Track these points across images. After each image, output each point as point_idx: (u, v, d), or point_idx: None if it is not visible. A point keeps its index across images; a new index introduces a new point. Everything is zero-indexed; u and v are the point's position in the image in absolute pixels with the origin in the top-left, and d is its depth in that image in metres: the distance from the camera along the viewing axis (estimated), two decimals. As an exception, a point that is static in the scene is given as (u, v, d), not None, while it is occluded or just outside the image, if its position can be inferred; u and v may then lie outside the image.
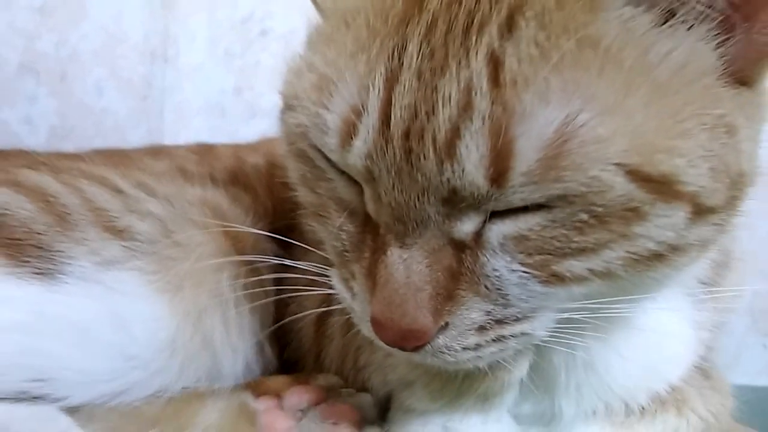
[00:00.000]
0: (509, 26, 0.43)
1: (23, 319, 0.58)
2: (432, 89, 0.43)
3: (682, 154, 0.43)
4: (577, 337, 0.51)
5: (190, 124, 1.34)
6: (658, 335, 0.62)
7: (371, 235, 0.49)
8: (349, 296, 0.51)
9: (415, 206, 0.45)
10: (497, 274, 0.46)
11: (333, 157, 0.48)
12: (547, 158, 0.41)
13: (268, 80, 1.32)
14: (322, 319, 0.69)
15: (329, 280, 0.57)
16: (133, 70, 1.30)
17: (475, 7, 0.45)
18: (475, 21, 0.44)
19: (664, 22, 0.45)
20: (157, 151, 0.95)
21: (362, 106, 0.45)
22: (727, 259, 0.67)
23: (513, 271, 0.46)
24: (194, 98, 1.34)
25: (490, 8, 0.44)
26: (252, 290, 0.67)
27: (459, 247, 0.46)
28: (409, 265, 0.46)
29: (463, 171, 0.43)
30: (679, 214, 0.45)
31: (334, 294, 0.63)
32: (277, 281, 0.70)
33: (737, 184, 0.47)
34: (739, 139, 0.46)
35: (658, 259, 0.46)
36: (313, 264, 0.60)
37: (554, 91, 0.42)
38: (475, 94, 0.42)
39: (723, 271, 0.66)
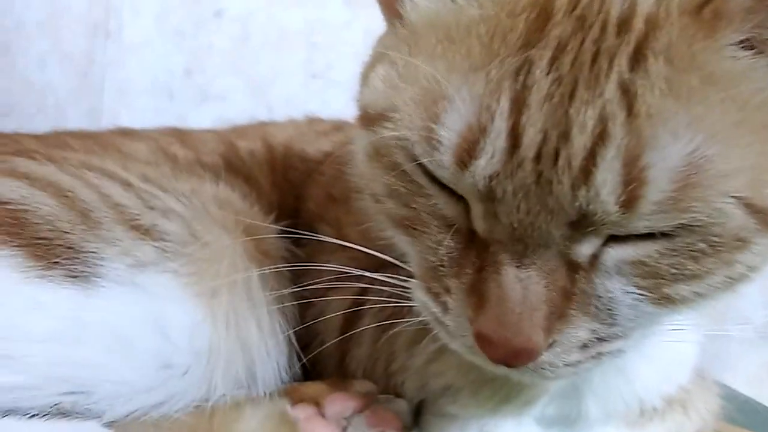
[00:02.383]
0: (638, 59, 0.45)
1: (58, 327, 0.53)
2: (564, 115, 0.44)
3: None
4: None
5: (132, 105, 1.28)
6: (673, 336, 0.66)
7: (476, 252, 0.49)
8: (440, 310, 0.51)
9: (540, 228, 0.46)
10: (610, 295, 0.48)
11: (443, 173, 0.48)
12: (677, 189, 0.43)
13: (221, 63, 1.28)
14: (349, 322, 0.68)
15: (356, 283, 0.56)
16: (75, 44, 1.22)
17: (600, 36, 0.46)
18: (603, 50, 0.45)
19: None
20: (129, 132, 0.89)
21: (485, 126, 0.45)
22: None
23: (627, 293, 0.48)
24: (138, 78, 1.28)
25: (617, 39, 0.46)
26: (279, 293, 0.65)
27: (573, 267, 0.48)
28: (526, 285, 0.47)
29: (597, 197, 0.44)
30: None
31: (365, 298, 0.63)
32: (297, 280, 0.69)
33: None
34: None
35: (742, 280, 0.50)
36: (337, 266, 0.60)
37: (683, 125, 0.44)
38: (611, 122, 0.44)
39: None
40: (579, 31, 0.46)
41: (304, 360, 0.68)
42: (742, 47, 0.47)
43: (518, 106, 0.45)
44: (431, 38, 0.51)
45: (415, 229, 0.53)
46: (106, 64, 1.25)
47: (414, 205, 0.52)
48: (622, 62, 0.45)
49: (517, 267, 0.47)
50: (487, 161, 0.46)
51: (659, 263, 0.47)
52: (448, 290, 0.51)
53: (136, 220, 0.61)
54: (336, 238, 0.72)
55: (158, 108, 1.26)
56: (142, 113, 1.26)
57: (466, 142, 0.46)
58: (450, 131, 0.47)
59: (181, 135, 0.89)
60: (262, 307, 0.63)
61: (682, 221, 0.45)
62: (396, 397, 0.65)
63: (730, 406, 0.76)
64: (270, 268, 0.64)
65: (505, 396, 0.61)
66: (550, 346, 0.48)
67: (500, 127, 0.45)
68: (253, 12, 1.25)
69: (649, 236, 0.46)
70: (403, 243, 0.55)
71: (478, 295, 0.48)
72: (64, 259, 0.55)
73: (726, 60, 0.46)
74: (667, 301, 0.49)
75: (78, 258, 0.55)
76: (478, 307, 0.48)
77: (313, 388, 0.63)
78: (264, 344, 0.63)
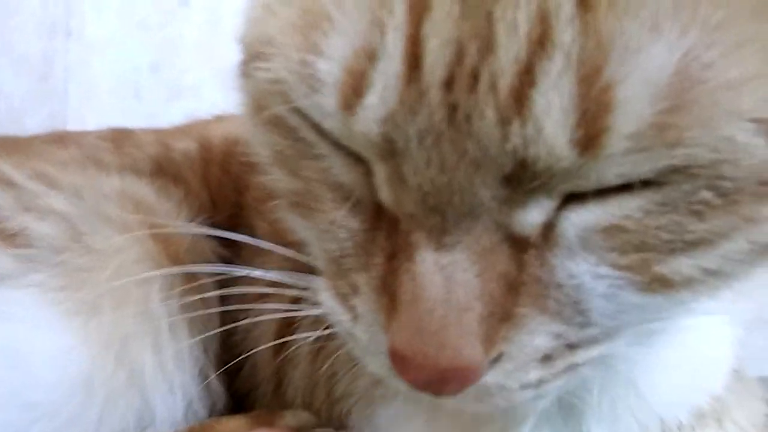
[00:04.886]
0: None
1: None
2: (485, 16, 0.30)
3: None
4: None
5: (98, 107, 1.17)
6: (700, 336, 0.51)
7: (385, 233, 0.35)
8: (348, 318, 0.37)
9: (461, 188, 0.32)
10: (576, 282, 0.33)
11: (329, 123, 0.34)
12: (663, 112, 0.29)
13: (191, 55, 1.17)
14: (282, 337, 0.54)
15: (302, 292, 0.43)
16: (30, 46, 1.11)
17: None
18: None
19: None
20: (60, 138, 0.79)
21: (376, 47, 0.32)
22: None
23: (600, 276, 0.33)
24: (103, 77, 1.17)
25: None
26: (191, 306, 0.52)
27: (519, 245, 0.33)
28: (450, 275, 0.32)
29: (539, 133, 0.30)
30: None
31: (302, 308, 0.50)
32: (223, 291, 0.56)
33: None
34: None
35: None
36: (271, 270, 0.47)
37: (666, 16, 0.29)
38: (554, 19, 0.29)
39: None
40: None
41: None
42: None
43: (418, 10, 0.31)
44: None
45: (307, 207, 0.39)
46: (69, 66, 1.15)
47: (303, 173, 0.39)
48: None
49: (436, 249, 0.33)
50: (379, 97, 0.32)
51: (645, 227, 0.32)
52: (356, 289, 0.37)
53: (1, 223, 0.49)
54: (270, 236, 0.60)
55: (125, 108, 1.15)
56: (108, 116, 1.14)
57: (351, 75, 0.32)
58: (331, 62, 0.33)
59: (120, 139, 0.78)
60: (163, 327, 0.50)
61: (674, 162, 0.30)
62: (342, 428, 0.52)
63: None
64: (172, 269, 0.51)
65: (471, 427, 0.46)
66: (496, 361, 0.34)
67: (393, 45, 0.31)
68: (222, -3, 1.13)
69: (625, 188, 0.32)
70: (299, 227, 0.42)
71: (389, 294, 0.34)
72: None
73: None
74: (661, 285, 0.34)
75: None
76: (390, 312, 0.34)
77: (230, 424, 0.50)
78: (163, 373, 0.50)
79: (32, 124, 1.11)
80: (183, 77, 1.15)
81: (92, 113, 1.16)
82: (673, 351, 0.49)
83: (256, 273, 0.46)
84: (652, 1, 0.29)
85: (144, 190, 0.60)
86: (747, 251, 0.34)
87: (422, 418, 0.47)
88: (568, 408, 0.48)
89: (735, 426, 0.55)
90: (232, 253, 0.61)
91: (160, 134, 0.81)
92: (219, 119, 0.88)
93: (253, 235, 0.62)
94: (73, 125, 1.14)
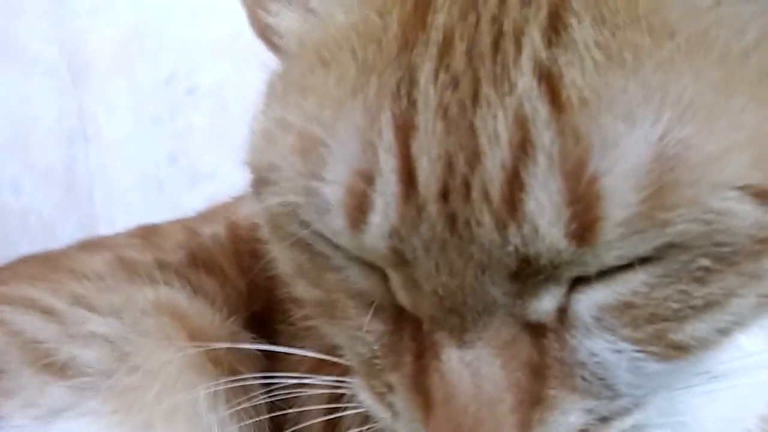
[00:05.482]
0: (555, 28, 0.33)
1: None
2: (467, 128, 0.32)
3: None
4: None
5: (124, 205, 1.21)
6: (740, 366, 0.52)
7: (410, 333, 0.37)
8: (389, 415, 0.39)
9: (473, 290, 0.34)
10: (597, 359, 0.35)
11: (341, 240, 0.37)
12: (648, 197, 0.31)
13: (204, 141, 1.21)
14: (333, 421, 0.56)
15: (344, 390, 0.45)
16: (51, 157, 1.16)
17: (500, 11, 0.34)
18: (506, 29, 0.33)
19: None
20: (91, 244, 0.82)
21: (372, 169, 0.34)
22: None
23: (619, 351, 0.35)
24: (125, 175, 1.21)
25: (523, 8, 0.33)
26: (240, 410, 0.54)
27: (538, 331, 0.35)
28: (476, 370, 0.34)
29: (535, 233, 0.32)
30: None
31: (345, 405, 0.52)
32: (269, 383, 0.57)
33: None
34: None
35: None
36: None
37: (637, 103, 0.31)
38: (532, 124, 0.31)
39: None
40: (470, 11, 0.34)
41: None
42: None
43: (404, 131, 0.33)
44: (303, 66, 0.40)
45: (333, 314, 0.41)
46: (91, 170, 1.20)
47: (325, 284, 0.41)
48: (534, 38, 0.33)
49: (459, 347, 0.35)
50: (381, 215, 0.34)
51: (652, 299, 0.34)
52: (391, 388, 0.39)
53: (50, 356, 0.52)
54: (305, 322, 0.61)
55: (150, 202, 1.19)
56: (136, 211, 1.18)
57: (353, 196, 0.35)
58: (333, 186, 0.35)
59: (147, 234, 0.80)
60: (215, 430, 0.52)
61: (667, 239, 0.32)
62: None
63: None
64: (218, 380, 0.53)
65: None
66: None
67: (387, 165, 0.34)
68: (225, 81, 1.17)
69: (627, 266, 0.33)
70: (329, 332, 0.43)
71: (422, 392, 0.36)
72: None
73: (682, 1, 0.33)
74: (678, 352, 0.35)
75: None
76: (426, 410, 0.36)
77: None
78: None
79: (63, 232, 1.15)
80: (199, 164, 1.19)
81: (119, 211, 1.19)
82: (713, 381, 0.50)
83: (296, 380, 0.48)
84: (621, 93, 0.31)
85: (175, 296, 0.62)
86: (755, 304, 0.35)
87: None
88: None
89: None
90: (270, 340, 0.62)
91: (186, 222, 0.83)
92: (240, 200, 0.90)
93: (289, 321, 0.64)
94: (103, 226, 1.18)
